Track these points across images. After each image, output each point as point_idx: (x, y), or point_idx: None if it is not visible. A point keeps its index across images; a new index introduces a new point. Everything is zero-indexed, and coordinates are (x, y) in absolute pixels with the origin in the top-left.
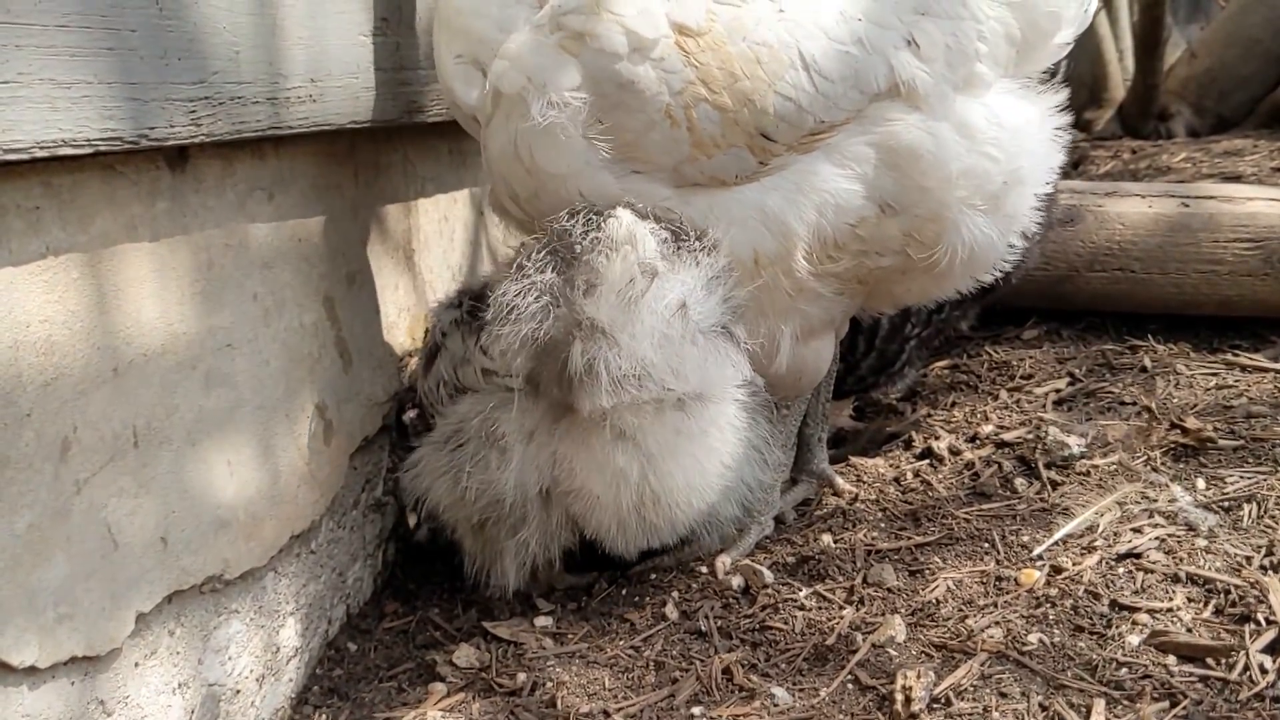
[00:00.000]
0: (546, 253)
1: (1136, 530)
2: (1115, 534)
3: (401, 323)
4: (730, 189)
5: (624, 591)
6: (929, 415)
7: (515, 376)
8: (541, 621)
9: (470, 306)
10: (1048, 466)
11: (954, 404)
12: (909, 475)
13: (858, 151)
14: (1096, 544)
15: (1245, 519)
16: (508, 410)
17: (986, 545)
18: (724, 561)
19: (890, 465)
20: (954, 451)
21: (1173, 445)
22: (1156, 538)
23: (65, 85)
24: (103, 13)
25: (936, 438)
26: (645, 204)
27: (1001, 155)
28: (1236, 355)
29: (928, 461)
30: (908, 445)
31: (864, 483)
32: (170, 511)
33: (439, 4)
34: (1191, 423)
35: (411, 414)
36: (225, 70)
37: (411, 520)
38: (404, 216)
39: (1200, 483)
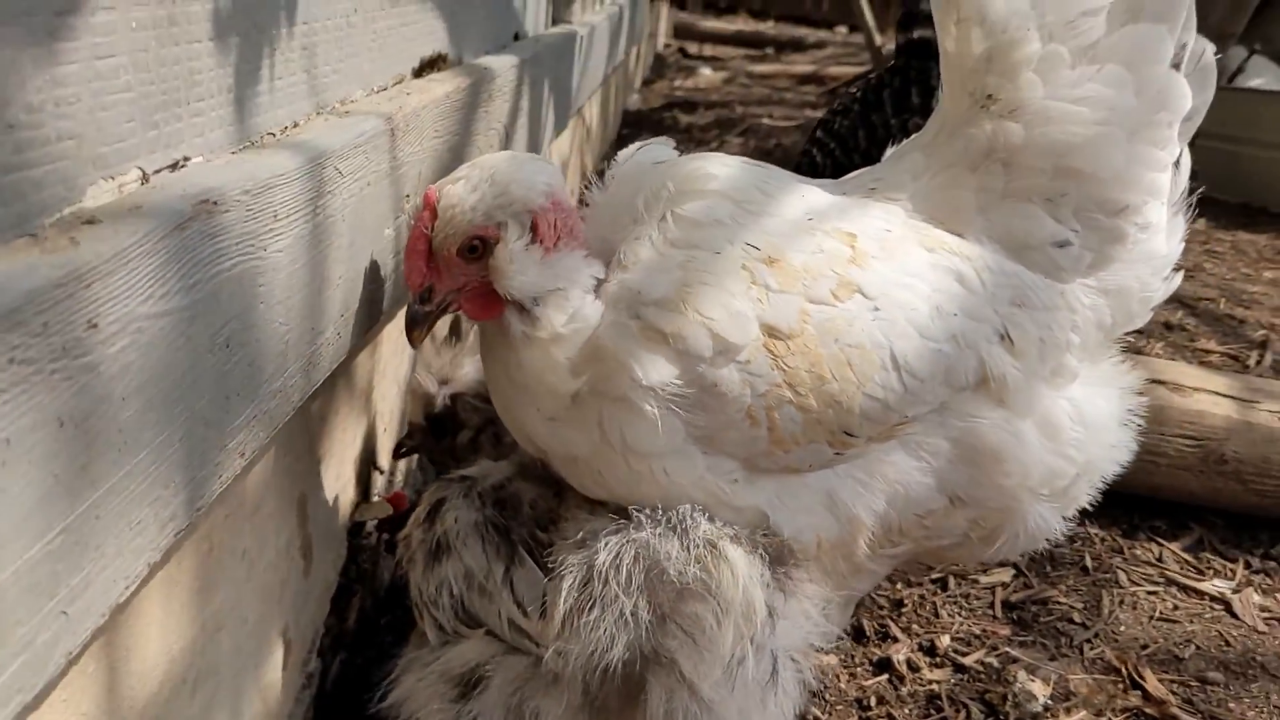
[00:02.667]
0: (638, 570)
1: None
2: None
3: (354, 474)
4: (801, 475)
5: None
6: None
7: (570, 684)
8: None
9: (493, 518)
10: None
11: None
12: (873, 700)
13: (935, 445)
14: None
15: None
16: (549, 698)
17: None
18: None
19: (847, 672)
20: (913, 668)
21: (1135, 711)
22: None
23: (136, 523)
24: (180, 401)
25: (892, 639)
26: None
27: (1080, 455)
28: (1161, 545)
29: (887, 677)
30: (859, 637)
31: (826, 701)
32: None
33: (513, 371)
34: (1152, 686)
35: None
36: (275, 372)
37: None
38: (369, 357)
39: None
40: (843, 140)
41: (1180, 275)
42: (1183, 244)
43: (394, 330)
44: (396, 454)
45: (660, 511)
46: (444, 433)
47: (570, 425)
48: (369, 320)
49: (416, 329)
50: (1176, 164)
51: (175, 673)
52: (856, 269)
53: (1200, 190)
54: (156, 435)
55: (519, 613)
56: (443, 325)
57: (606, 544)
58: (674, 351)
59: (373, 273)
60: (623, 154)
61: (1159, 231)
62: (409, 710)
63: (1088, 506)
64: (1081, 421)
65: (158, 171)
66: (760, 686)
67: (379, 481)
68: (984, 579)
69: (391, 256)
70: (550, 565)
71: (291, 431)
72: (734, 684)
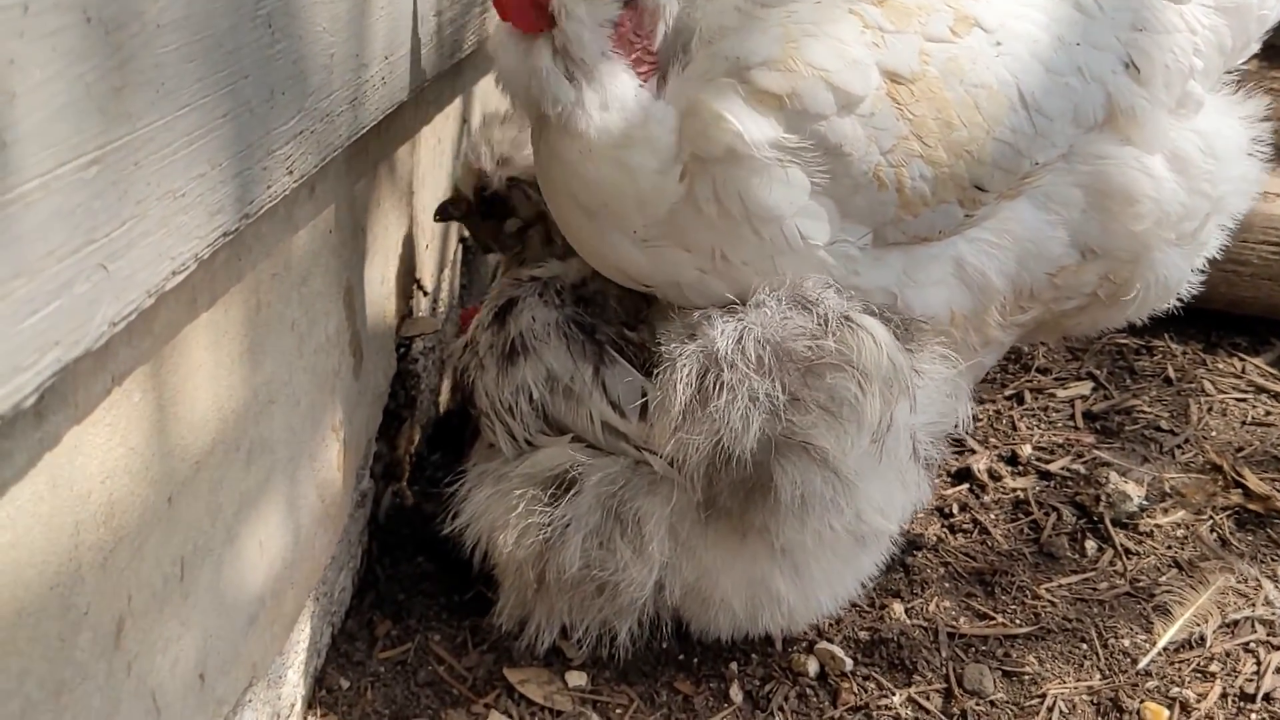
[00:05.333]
0: (765, 351)
1: (1249, 650)
2: (1228, 655)
3: (398, 283)
4: (928, 245)
5: (665, 646)
6: None
7: (687, 482)
8: (575, 680)
9: (575, 316)
10: (1115, 524)
11: None
12: (954, 507)
13: (1065, 194)
14: (1213, 669)
15: None
16: (653, 498)
17: (1084, 646)
18: None
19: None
20: (995, 476)
21: (1237, 509)
22: (1277, 668)
23: (180, 195)
24: (222, 66)
25: (970, 451)
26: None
27: (1211, 189)
28: (1243, 359)
29: (968, 486)
30: None
31: None
32: (208, 636)
33: (582, 196)
34: (1254, 483)
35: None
36: (320, 87)
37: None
38: (410, 155)
39: None
40: None
41: None
42: None
43: (430, 136)
44: (439, 215)
45: (780, 290)
46: (491, 214)
47: (673, 240)
48: (412, 78)
49: None
50: None
51: (228, 435)
52: (971, 0)
53: None
54: (200, 94)
55: (614, 414)
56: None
57: (724, 330)
58: (791, 113)
59: (415, 25)
60: None
61: None
62: (486, 523)
63: (1163, 316)
64: (1212, 153)
65: None
66: (903, 463)
67: (424, 303)
68: (1061, 392)
69: (433, 16)
70: (647, 364)
71: (338, 203)
72: (881, 457)
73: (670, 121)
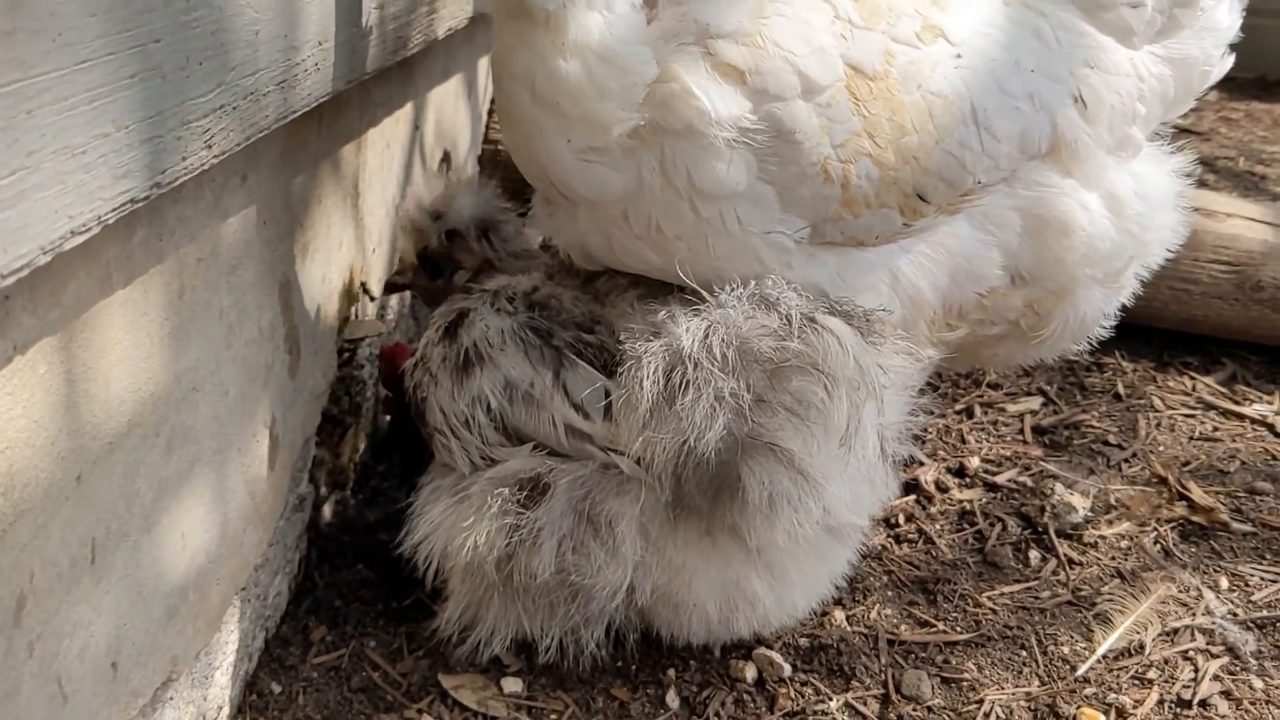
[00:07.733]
0: (730, 350)
1: (1187, 658)
2: (1166, 662)
3: (341, 284)
4: (864, 249)
5: (602, 653)
6: None
7: (655, 481)
8: (510, 686)
9: (530, 322)
10: (1059, 535)
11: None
12: (900, 517)
13: (1003, 217)
14: (1151, 676)
15: None
16: (623, 498)
17: (1023, 653)
18: None
19: None
20: (942, 488)
21: (1181, 521)
22: (1214, 675)
23: (80, 152)
24: (129, 25)
25: (917, 464)
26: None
27: (1140, 233)
28: (1194, 378)
29: (915, 498)
30: None
31: None
32: (122, 625)
33: (540, 85)
34: (1199, 496)
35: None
36: (243, 63)
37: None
38: (354, 156)
39: (1223, 581)
40: None
41: (1233, 58)
42: (1241, 18)
43: (379, 139)
44: (388, 290)
45: (738, 289)
46: (439, 272)
47: (609, 164)
48: (350, 68)
49: None
50: None
51: (146, 419)
52: (939, 12)
53: None
54: (103, 50)
55: (578, 417)
56: (434, 152)
57: (688, 328)
58: (751, 91)
59: (351, 12)
60: None
61: (1223, 1)
62: (442, 534)
63: (1113, 334)
64: (1145, 198)
65: None
66: (870, 462)
67: (370, 309)
68: (1011, 407)
69: (374, 8)
70: (607, 364)
71: (273, 196)
72: (849, 459)
73: (646, 73)
